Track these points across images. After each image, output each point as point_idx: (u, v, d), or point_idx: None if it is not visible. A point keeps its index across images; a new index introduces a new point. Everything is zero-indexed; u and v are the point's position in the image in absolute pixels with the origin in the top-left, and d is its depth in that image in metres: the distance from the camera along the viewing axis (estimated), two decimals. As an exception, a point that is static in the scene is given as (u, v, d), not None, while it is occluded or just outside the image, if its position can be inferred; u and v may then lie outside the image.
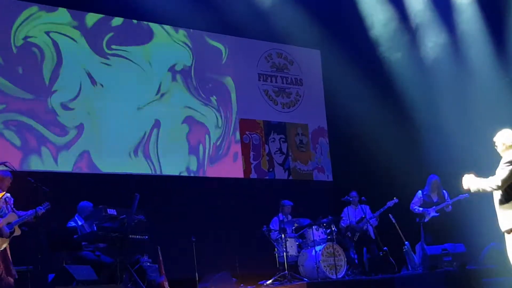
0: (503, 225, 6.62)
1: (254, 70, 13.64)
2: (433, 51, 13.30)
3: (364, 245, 11.70)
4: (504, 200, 6.63)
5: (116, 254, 9.13)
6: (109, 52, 11.86)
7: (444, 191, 11.55)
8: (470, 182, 6.78)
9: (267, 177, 13.32)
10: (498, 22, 12.58)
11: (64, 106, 11.25)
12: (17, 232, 8.30)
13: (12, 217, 8.28)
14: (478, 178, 6.77)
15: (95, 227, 9.36)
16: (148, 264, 9.62)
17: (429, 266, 10.71)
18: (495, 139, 6.88)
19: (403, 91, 13.29)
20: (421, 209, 11.44)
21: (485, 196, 7.09)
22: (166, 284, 9.03)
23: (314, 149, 14.08)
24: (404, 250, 11.43)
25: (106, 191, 10.78)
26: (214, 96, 12.93)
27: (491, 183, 6.63)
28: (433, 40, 13.18)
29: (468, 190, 6.81)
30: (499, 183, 6.58)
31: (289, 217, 11.41)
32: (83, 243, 9.15)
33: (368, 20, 13.11)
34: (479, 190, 6.74)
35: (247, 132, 13.28)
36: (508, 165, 6.58)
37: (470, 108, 12.79)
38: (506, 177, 6.57)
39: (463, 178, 6.85)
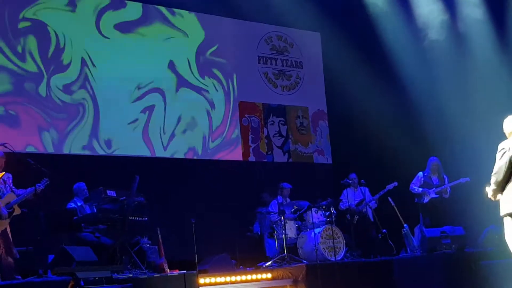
0: (502, 209, 6.65)
1: (254, 53, 13.60)
2: (435, 34, 13.26)
3: (363, 227, 11.72)
4: (506, 185, 6.66)
5: (116, 235, 9.17)
6: (108, 32, 11.81)
7: (445, 175, 11.56)
8: (489, 191, 6.79)
9: (265, 160, 13.32)
10: (500, 6, 12.55)
11: (63, 88, 11.22)
12: (17, 211, 8.32)
13: (10, 197, 8.29)
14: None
15: (95, 209, 9.40)
16: (148, 245, 9.64)
17: (428, 249, 10.75)
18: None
19: (404, 73, 13.27)
20: (420, 189, 11.47)
21: (485, 180, 7.10)
22: (165, 265, 9.03)
23: (315, 132, 14.08)
24: (403, 233, 11.45)
25: (106, 173, 10.81)
26: (214, 79, 12.90)
27: (492, 180, 6.66)
28: (435, 23, 13.14)
29: (494, 197, 6.78)
30: (495, 174, 6.62)
31: (288, 199, 11.42)
32: (82, 224, 9.17)
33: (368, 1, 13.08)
34: (494, 193, 6.73)
35: (246, 115, 13.26)
36: (498, 153, 6.63)
37: (471, 91, 12.77)
38: (497, 166, 6.61)
39: (486, 194, 6.86)
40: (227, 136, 12.90)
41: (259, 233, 11.41)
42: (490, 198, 6.80)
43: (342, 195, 11.89)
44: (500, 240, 7.58)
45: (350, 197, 11.72)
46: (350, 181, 11.77)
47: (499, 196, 6.72)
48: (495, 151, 6.73)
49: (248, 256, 11.27)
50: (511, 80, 12.37)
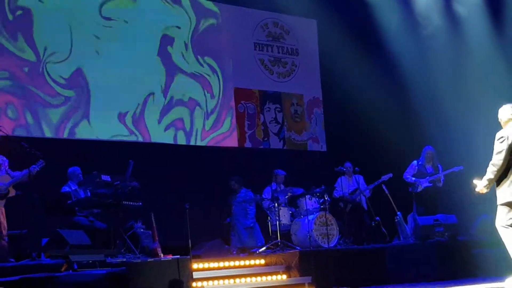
0: (500, 198, 6.70)
1: (250, 39, 13.58)
2: (431, 22, 13.28)
3: (356, 215, 11.75)
4: (502, 175, 6.69)
5: (110, 220, 9.20)
6: (104, 16, 11.76)
7: (439, 164, 11.60)
8: (479, 184, 6.81)
9: (261, 147, 13.34)
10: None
11: (58, 72, 11.19)
12: (12, 192, 8.34)
13: (4, 179, 8.32)
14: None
15: (89, 193, 9.42)
16: (142, 230, 9.67)
17: (421, 237, 10.82)
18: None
19: (400, 62, 13.29)
20: (413, 178, 11.52)
21: (478, 169, 7.14)
22: (159, 250, 9.08)
23: (309, 119, 14.09)
24: (396, 220, 11.50)
25: (100, 158, 10.81)
26: (209, 65, 12.88)
27: (490, 169, 6.68)
28: (431, 11, 13.15)
29: (486, 188, 6.79)
30: (493, 164, 6.64)
31: (282, 186, 11.46)
32: (76, 208, 9.19)
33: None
34: (489, 183, 6.75)
35: (242, 102, 13.26)
36: (496, 142, 6.65)
37: (466, 81, 12.82)
38: (496, 155, 6.63)
39: (474, 187, 6.88)
40: (222, 122, 12.90)
41: (229, 221, 11.44)
42: (480, 191, 6.81)
43: (336, 183, 11.92)
44: (492, 229, 7.61)
45: (344, 185, 11.75)
46: (344, 169, 11.79)
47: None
48: (489, 140, 6.76)
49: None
50: (507, 69, 12.41)
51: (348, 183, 11.85)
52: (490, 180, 6.71)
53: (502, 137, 6.65)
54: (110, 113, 11.57)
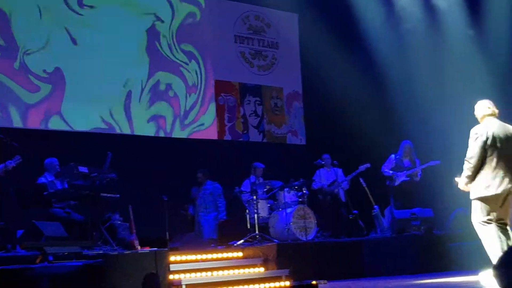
0: (472, 193, 6.75)
1: (231, 32, 13.57)
2: (411, 19, 13.34)
3: (334, 208, 11.81)
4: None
5: (87, 212, 9.14)
6: (82, 8, 11.71)
7: (416, 159, 11.68)
8: (460, 182, 6.87)
9: (241, 139, 13.36)
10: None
11: (35, 63, 11.12)
12: None
13: None
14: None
15: (66, 185, 9.37)
16: (119, 222, 9.64)
17: (397, 230, 10.90)
18: None
19: (380, 57, 13.35)
20: (391, 172, 11.59)
21: (454, 163, 7.19)
22: (136, 242, 9.05)
23: (289, 113, 14.11)
24: (373, 214, 11.58)
25: (78, 149, 10.76)
26: (190, 57, 12.87)
27: (466, 166, 6.74)
28: (411, 8, 13.21)
29: (466, 185, 6.84)
30: (468, 161, 6.70)
31: (261, 179, 11.47)
32: (53, 200, 9.15)
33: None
34: (469, 180, 6.79)
35: (222, 94, 13.26)
36: (471, 138, 6.71)
37: (445, 76, 12.91)
38: (471, 151, 6.68)
39: (456, 185, 6.94)
40: (202, 115, 12.89)
41: (192, 214, 11.44)
42: (462, 189, 6.86)
43: (315, 175, 11.96)
44: (467, 223, 7.67)
45: (323, 177, 11.80)
46: (323, 162, 11.84)
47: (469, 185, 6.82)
48: (466, 135, 6.80)
49: (219, 235, 11.32)
50: (485, 65, 12.50)
51: (327, 175, 11.90)
52: (468, 177, 6.75)
53: (476, 133, 6.70)
54: (88, 105, 11.52)
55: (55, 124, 11.18)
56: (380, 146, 12.15)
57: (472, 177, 6.74)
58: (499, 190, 6.59)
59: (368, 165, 11.76)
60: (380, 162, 11.83)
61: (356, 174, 11.77)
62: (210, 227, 11.22)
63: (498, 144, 6.64)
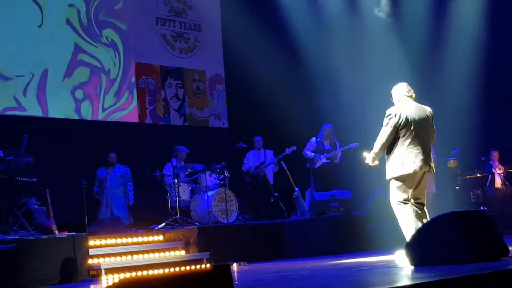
0: (388, 173, 6.90)
1: (152, 14, 13.39)
2: (330, 3, 13.50)
3: (258, 190, 11.87)
4: (389, 151, 6.91)
5: (3, 196, 8.92)
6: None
7: (337, 141, 11.87)
8: (368, 156, 7.00)
9: (162, 123, 13.24)
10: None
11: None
12: None
13: None
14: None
15: (-21, 168, 9.10)
16: (36, 207, 9.40)
17: (317, 212, 11.07)
18: None
19: (301, 41, 13.46)
20: (312, 154, 11.75)
21: (373, 146, 7.33)
22: (54, 227, 8.88)
23: (211, 96, 14.07)
24: (294, 196, 11.72)
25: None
26: (111, 39, 12.64)
27: (376, 144, 6.90)
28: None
29: (373, 162, 6.99)
30: (380, 139, 6.86)
31: (183, 162, 11.43)
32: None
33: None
34: (376, 156, 6.96)
35: (143, 77, 13.10)
36: (385, 118, 6.86)
37: (363, 61, 13.14)
38: (383, 130, 6.84)
39: (364, 159, 7.07)
40: (123, 98, 12.70)
41: (96, 196, 11.27)
42: (368, 163, 7.04)
43: (245, 157, 12.02)
44: (385, 204, 7.87)
45: (252, 159, 11.88)
46: (256, 144, 11.94)
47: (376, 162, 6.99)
48: (383, 117, 6.94)
49: (140, 219, 11.25)
50: (401, 50, 12.78)
51: (256, 157, 11.96)
52: (376, 154, 6.95)
53: (390, 114, 6.86)
54: (3, 85, 11.18)
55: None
56: (301, 129, 12.29)
57: (380, 154, 6.92)
58: (412, 169, 6.75)
59: (294, 147, 11.86)
60: (302, 144, 11.97)
61: (282, 156, 11.86)
62: (123, 212, 11.05)
63: (413, 125, 6.80)
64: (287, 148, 11.88)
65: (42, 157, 9.88)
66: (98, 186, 11.27)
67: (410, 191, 6.84)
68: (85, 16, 12.32)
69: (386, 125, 6.84)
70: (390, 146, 6.87)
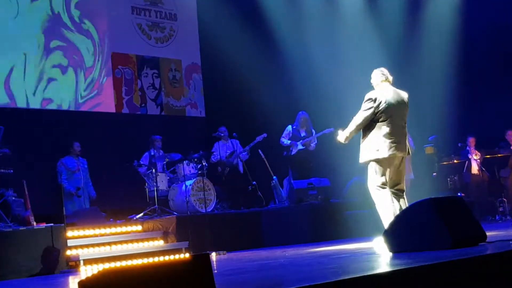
0: (363, 156, 6.94)
1: (127, 3, 13.30)
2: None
3: (233, 179, 11.89)
4: (363, 134, 6.96)
5: (-22, 188, 8.86)
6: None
7: (312, 129, 11.92)
8: (341, 134, 7.04)
9: (139, 112, 13.18)
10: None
11: None
12: None
13: None
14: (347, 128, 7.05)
15: (-46, 161, 9.01)
16: (13, 198, 9.35)
17: (295, 200, 11.11)
18: None
19: (277, 29, 13.47)
20: (289, 141, 11.80)
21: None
22: (32, 218, 8.84)
23: (188, 85, 14.03)
24: (272, 185, 11.75)
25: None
26: (85, 29, 12.53)
27: (351, 123, 6.94)
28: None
29: (345, 140, 7.04)
30: (356, 119, 6.90)
31: (161, 152, 11.40)
32: None
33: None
34: (349, 136, 7.01)
35: (119, 67, 13.02)
36: (364, 102, 6.90)
37: (339, 48, 13.18)
38: (360, 112, 6.89)
39: (336, 135, 7.11)
40: (99, 88, 12.62)
41: (70, 187, 11.07)
42: (339, 141, 7.09)
43: (213, 147, 12.01)
44: (363, 191, 7.91)
45: (221, 149, 11.86)
46: (221, 134, 11.90)
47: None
48: (360, 103, 6.98)
49: (118, 209, 11.21)
50: (377, 37, 12.83)
51: (225, 147, 11.97)
52: (350, 133, 7.01)
53: (370, 98, 6.90)
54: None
55: None
56: (278, 117, 12.32)
57: (353, 134, 7.00)
58: (387, 154, 6.80)
59: (265, 135, 11.90)
60: (278, 133, 12.00)
61: (253, 144, 11.89)
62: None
63: (390, 110, 6.85)
64: (257, 136, 11.90)
65: (18, 148, 9.79)
66: (67, 177, 11.00)
67: (387, 175, 6.88)
68: (62, 6, 12.20)
69: (365, 109, 6.88)
70: (365, 129, 6.92)
